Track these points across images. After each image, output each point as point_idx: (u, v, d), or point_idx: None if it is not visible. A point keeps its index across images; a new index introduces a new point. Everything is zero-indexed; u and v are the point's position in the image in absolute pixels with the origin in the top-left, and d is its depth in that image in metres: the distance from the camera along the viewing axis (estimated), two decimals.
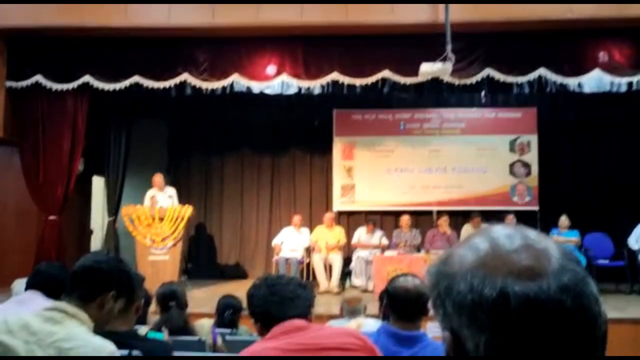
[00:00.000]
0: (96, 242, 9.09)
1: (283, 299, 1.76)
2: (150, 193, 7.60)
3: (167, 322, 2.94)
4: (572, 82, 6.88)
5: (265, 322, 1.76)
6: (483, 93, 7.95)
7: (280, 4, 6.45)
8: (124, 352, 1.88)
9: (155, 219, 7.10)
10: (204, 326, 3.15)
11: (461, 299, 0.66)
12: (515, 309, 0.62)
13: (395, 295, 2.23)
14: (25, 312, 1.85)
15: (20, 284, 5.04)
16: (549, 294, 0.63)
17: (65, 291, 1.76)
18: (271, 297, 1.77)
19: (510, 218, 8.07)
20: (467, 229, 8.19)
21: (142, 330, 2.73)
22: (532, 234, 0.70)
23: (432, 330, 2.94)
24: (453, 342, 0.67)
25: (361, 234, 8.26)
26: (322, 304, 6.34)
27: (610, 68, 6.69)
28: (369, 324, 2.80)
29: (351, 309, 3.57)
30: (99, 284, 1.72)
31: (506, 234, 0.70)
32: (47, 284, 2.59)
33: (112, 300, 1.74)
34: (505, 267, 0.65)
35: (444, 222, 8.12)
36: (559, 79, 6.75)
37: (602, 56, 6.71)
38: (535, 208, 8.79)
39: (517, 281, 0.63)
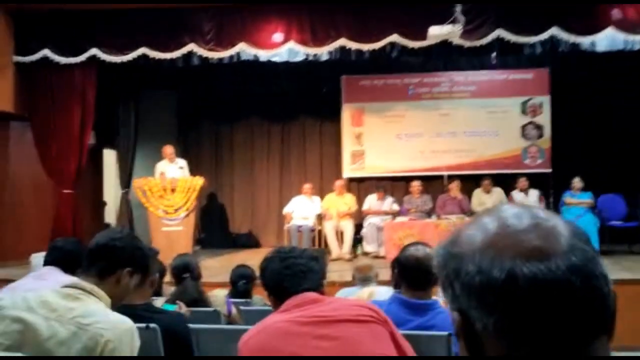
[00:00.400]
0: (110, 214, 9.20)
1: (296, 273, 1.78)
2: (159, 167, 7.61)
3: (182, 294, 2.99)
4: (584, 41, 6.78)
5: (279, 295, 1.79)
6: (494, 55, 7.81)
7: None
8: (142, 325, 1.92)
9: (167, 191, 7.15)
10: (218, 297, 3.20)
11: (469, 280, 0.66)
12: (524, 290, 0.62)
13: (406, 265, 2.25)
14: (44, 287, 1.89)
15: (38, 258, 5.16)
16: (557, 274, 0.63)
17: (82, 268, 1.80)
18: (284, 271, 1.79)
19: (523, 181, 8.05)
20: (477, 194, 8.17)
21: (158, 302, 2.79)
22: (541, 212, 0.70)
23: (443, 297, 2.96)
24: (462, 323, 0.68)
25: (372, 200, 8.27)
26: (335, 271, 6.40)
27: (625, 25, 6.54)
28: (380, 293, 2.84)
29: (363, 277, 3.61)
30: (115, 261, 1.76)
31: (515, 212, 0.69)
32: (64, 259, 2.65)
33: (128, 276, 1.77)
34: (513, 248, 0.65)
35: (454, 187, 8.10)
36: (571, 38, 6.65)
37: (616, 13, 6.56)
38: (548, 170, 8.74)
39: (525, 262, 0.64)
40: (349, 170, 9.08)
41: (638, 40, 6.69)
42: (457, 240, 0.71)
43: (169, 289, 3.41)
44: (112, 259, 1.76)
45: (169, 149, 7.71)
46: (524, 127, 8.89)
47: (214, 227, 9.41)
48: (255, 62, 7.48)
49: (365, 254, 7.79)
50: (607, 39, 6.90)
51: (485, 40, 6.70)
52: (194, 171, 7.94)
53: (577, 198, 7.64)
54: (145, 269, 1.88)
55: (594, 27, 6.59)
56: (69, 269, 2.59)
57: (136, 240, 1.87)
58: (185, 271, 3.17)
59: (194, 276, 3.20)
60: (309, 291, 1.75)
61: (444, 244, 0.73)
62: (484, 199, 8.01)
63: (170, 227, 7.14)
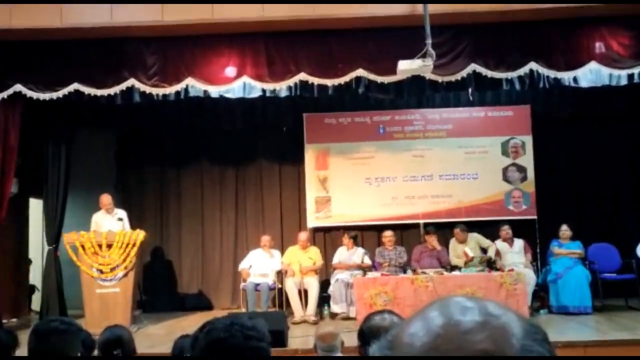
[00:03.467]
0: (36, 274, 8.93)
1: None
2: (95, 218, 7.50)
3: None
4: (566, 76, 6.99)
5: None
6: (470, 91, 8.03)
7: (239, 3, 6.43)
8: None
9: (103, 246, 7.01)
10: None
11: None
12: None
13: (370, 337, 2.21)
14: None
15: None
16: None
17: None
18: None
19: (506, 229, 8.14)
20: (453, 245, 8.23)
21: None
22: (492, 307, 0.68)
23: None
24: None
25: (342, 253, 8.26)
26: (298, 337, 6.30)
27: (608, 60, 6.81)
28: None
29: (326, 347, 3.53)
30: None
31: (462, 307, 0.68)
32: None
33: None
34: (458, 352, 0.63)
35: (432, 237, 8.15)
36: (552, 73, 6.86)
37: (599, 47, 6.83)
38: (533, 217, 8.89)
39: None
40: (313, 219, 9.08)
41: (624, 74, 6.95)
42: (396, 340, 0.69)
43: None
44: None
45: (106, 198, 7.60)
46: (505, 169, 9.08)
47: (158, 287, 9.21)
48: (205, 99, 7.51)
49: (333, 315, 7.72)
50: (591, 74, 7.16)
51: (459, 75, 6.87)
52: (135, 223, 7.79)
53: (566, 248, 7.76)
54: None
55: (576, 62, 6.83)
56: None
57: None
58: (116, 346, 3.05)
59: (127, 352, 3.09)
60: None
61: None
62: (459, 248, 8.07)
63: (106, 289, 6.99)
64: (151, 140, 9.49)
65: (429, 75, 6.81)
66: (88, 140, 9.08)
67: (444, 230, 8.65)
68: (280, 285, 8.07)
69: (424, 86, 7.44)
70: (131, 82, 6.81)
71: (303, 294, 7.81)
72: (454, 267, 7.75)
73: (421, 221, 8.88)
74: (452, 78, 6.95)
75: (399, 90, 7.58)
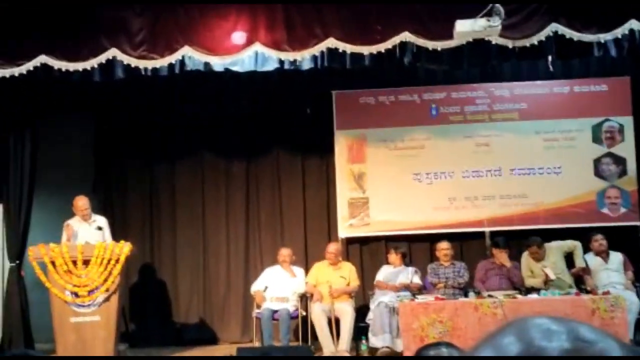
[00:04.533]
0: None
1: None
2: (70, 223, 7.54)
3: None
4: None
5: None
6: (550, 59, 7.93)
7: None
8: None
9: (78, 263, 7.07)
10: None
11: None
12: None
13: None
14: None
15: None
16: None
17: None
18: None
19: (599, 240, 8.05)
20: (526, 260, 8.18)
21: None
22: (585, 330, 0.68)
23: None
24: None
25: (386, 271, 8.28)
26: None
27: None
28: None
29: None
30: None
31: (546, 330, 0.68)
32: None
33: None
34: None
35: (501, 252, 8.09)
36: None
37: None
38: (635, 223, 8.77)
39: None
40: (346, 227, 9.07)
41: None
42: None
43: None
44: None
45: (81, 202, 7.68)
46: (597, 160, 8.97)
47: (148, 314, 9.28)
48: (206, 74, 7.53)
49: (373, 350, 7.69)
50: None
51: (536, 38, 6.81)
52: (119, 233, 7.88)
53: None
54: None
55: None
56: None
57: None
58: None
59: None
60: None
61: None
62: (535, 265, 8.00)
63: (83, 317, 7.05)
64: (138, 128, 9.55)
65: (495, 39, 6.77)
66: (59, 128, 9.19)
67: (516, 241, 8.57)
68: (304, 313, 8.07)
69: (490, 54, 7.37)
70: (112, 52, 6.87)
71: (334, 324, 7.80)
72: (530, 289, 7.67)
73: (487, 229, 8.82)
74: (527, 42, 6.90)
75: (457, 59, 7.51)
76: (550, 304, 7.04)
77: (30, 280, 8.04)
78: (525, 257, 8.19)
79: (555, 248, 8.11)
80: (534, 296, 7.32)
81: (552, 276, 7.60)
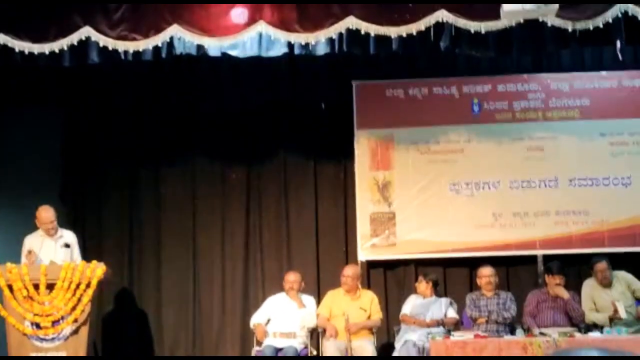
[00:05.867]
0: None
1: None
2: (29, 243, 7.54)
3: None
4: None
5: None
6: (619, 45, 7.87)
7: None
8: None
9: (41, 287, 7.06)
10: None
11: None
12: None
13: None
14: None
15: None
16: None
17: None
18: None
19: None
20: (590, 287, 8.11)
21: None
22: None
23: None
24: None
25: (414, 302, 8.22)
26: None
27: None
28: None
29: None
30: None
31: None
32: None
33: None
34: None
35: (556, 280, 8.02)
36: None
37: None
38: None
39: None
40: (367, 248, 9.05)
41: None
42: None
43: None
44: None
45: (45, 213, 7.67)
46: None
47: (126, 351, 9.27)
48: (200, 60, 7.54)
49: None
50: None
51: (600, 20, 6.75)
52: (90, 252, 7.87)
53: None
54: None
55: None
56: None
57: None
58: None
59: None
60: None
61: None
62: (600, 297, 7.95)
63: (46, 353, 7.04)
64: (116, 125, 9.56)
65: (552, 20, 6.74)
66: (20, 125, 9.19)
67: (574, 267, 8.53)
68: (315, 352, 8.04)
69: (544, 38, 7.33)
70: (85, 31, 6.87)
71: None
72: (591, 326, 7.62)
73: (539, 252, 8.78)
74: (590, 25, 6.84)
75: (504, 44, 7.47)
76: (617, 345, 6.93)
77: None
78: (589, 285, 8.13)
79: (624, 279, 8.04)
80: (596, 334, 7.24)
81: (622, 313, 7.52)
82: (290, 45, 7.17)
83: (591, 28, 6.89)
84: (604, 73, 9.07)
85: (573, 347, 6.85)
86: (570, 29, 6.92)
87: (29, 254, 7.41)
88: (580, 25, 6.88)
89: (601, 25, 6.86)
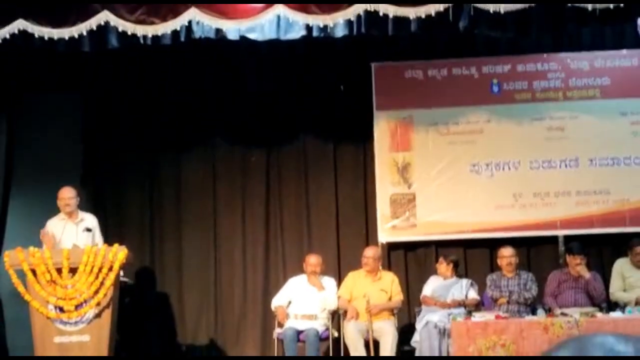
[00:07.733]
0: None
1: None
2: (51, 227, 7.57)
3: None
4: None
5: None
6: (639, 23, 7.83)
7: None
8: None
9: (64, 271, 7.08)
10: None
11: None
12: None
13: None
14: None
15: None
16: None
17: None
18: None
19: None
20: (622, 267, 8.11)
21: None
22: None
23: None
24: None
25: (435, 283, 8.24)
26: None
27: None
28: None
29: None
30: None
31: (609, 350, 0.66)
32: None
33: None
34: None
35: (577, 260, 8.00)
36: None
37: None
38: None
39: None
40: (387, 229, 9.06)
41: None
42: None
43: None
44: None
45: (67, 194, 7.68)
46: None
47: (148, 334, 9.31)
48: (218, 43, 7.52)
49: None
50: None
51: None
52: (112, 235, 7.89)
53: None
54: None
55: None
56: None
57: None
58: None
59: None
60: None
61: None
62: (632, 276, 7.94)
63: (69, 337, 7.04)
64: (136, 109, 9.58)
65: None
66: (41, 110, 9.23)
67: (595, 247, 8.51)
68: (336, 333, 8.06)
69: (564, 16, 7.29)
70: (104, 16, 6.87)
71: (372, 347, 7.77)
72: (613, 305, 7.60)
73: (560, 232, 8.76)
74: (610, 3, 6.77)
75: (524, 23, 7.40)
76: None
77: (6, 292, 8.11)
78: (623, 263, 8.13)
79: None
80: (618, 314, 7.19)
81: None
82: (308, 28, 7.12)
83: (611, 7, 6.84)
84: (624, 51, 9.01)
85: (591, 330, 6.85)
86: (589, 8, 6.87)
87: (45, 235, 7.44)
88: (601, 4, 6.83)
89: (620, 4, 6.82)
